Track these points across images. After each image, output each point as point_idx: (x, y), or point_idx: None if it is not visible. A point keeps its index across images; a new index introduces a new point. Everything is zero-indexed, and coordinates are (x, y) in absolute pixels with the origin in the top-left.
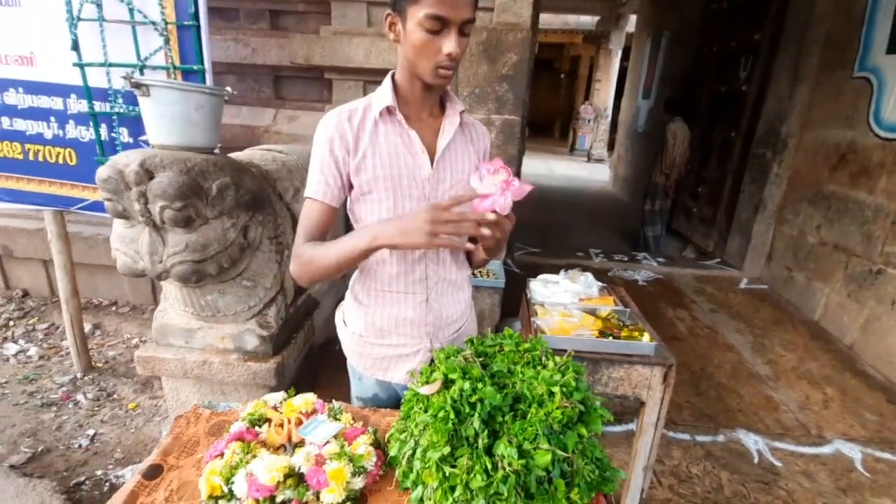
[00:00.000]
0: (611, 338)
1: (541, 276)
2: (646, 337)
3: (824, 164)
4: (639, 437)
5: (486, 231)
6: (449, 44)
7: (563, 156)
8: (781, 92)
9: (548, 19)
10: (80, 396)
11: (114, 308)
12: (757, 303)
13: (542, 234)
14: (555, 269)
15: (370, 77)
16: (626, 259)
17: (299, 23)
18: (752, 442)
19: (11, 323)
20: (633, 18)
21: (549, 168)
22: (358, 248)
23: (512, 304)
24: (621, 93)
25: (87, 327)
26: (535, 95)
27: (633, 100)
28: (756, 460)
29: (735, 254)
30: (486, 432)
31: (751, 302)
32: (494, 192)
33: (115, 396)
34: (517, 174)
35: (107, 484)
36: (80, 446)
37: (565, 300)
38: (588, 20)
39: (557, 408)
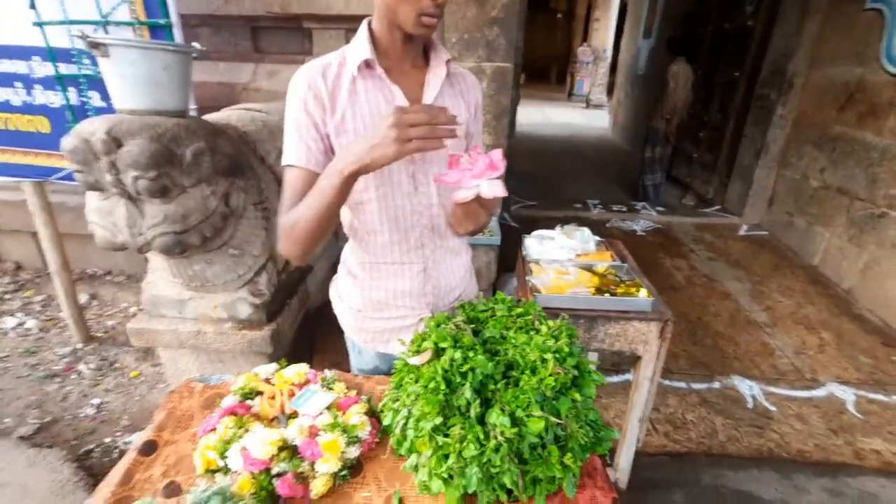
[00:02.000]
0: (607, 294)
1: (536, 233)
2: (643, 293)
3: (831, 105)
4: (634, 390)
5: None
6: None
7: (561, 102)
8: (789, 27)
9: None
10: (82, 367)
11: (109, 277)
12: (756, 249)
13: (538, 185)
14: (552, 222)
15: (352, 25)
16: (624, 209)
17: None
18: (747, 388)
19: (7, 296)
20: None
21: (545, 116)
22: (332, 185)
23: (510, 258)
24: (621, 33)
25: (84, 298)
26: (530, 38)
27: (634, 40)
28: (750, 405)
29: (735, 200)
30: (477, 402)
31: (750, 249)
32: (480, 179)
33: (117, 365)
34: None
35: (116, 450)
36: (86, 415)
37: (561, 256)
38: None
39: (550, 374)
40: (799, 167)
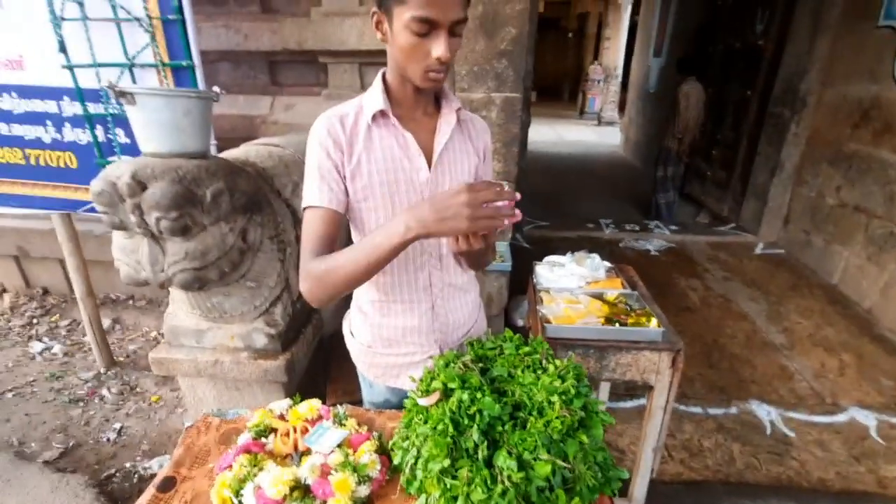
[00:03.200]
0: (617, 325)
1: (547, 259)
2: (653, 322)
3: (845, 122)
4: (648, 420)
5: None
6: (438, 47)
7: (573, 119)
8: (800, 46)
9: None
10: (104, 391)
11: (131, 302)
12: (772, 269)
13: (551, 205)
14: (564, 243)
15: (365, 59)
16: (637, 228)
17: (290, 4)
18: (765, 413)
19: (35, 321)
20: None
21: (557, 134)
22: (391, 243)
23: (522, 279)
24: (632, 51)
25: (107, 322)
26: (541, 57)
27: (644, 58)
28: (769, 431)
29: (750, 218)
30: (485, 444)
31: (766, 268)
32: None
33: (138, 390)
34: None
35: (136, 475)
36: (108, 440)
37: (571, 284)
38: None
39: (557, 417)
40: (815, 185)
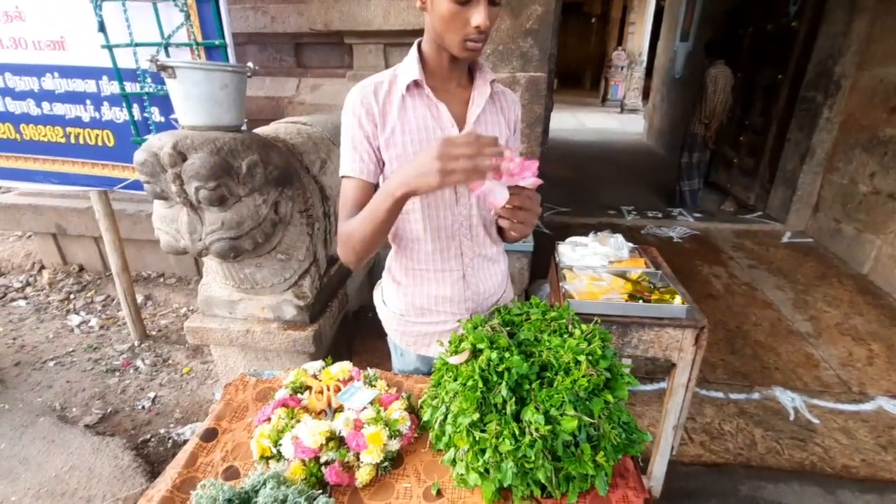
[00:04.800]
0: (641, 301)
1: (569, 239)
2: (677, 299)
3: (882, 107)
4: (669, 397)
5: (506, 163)
6: (478, 15)
7: (595, 107)
8: (836, 27)
9: None
10: (139, 363)
11: (161, 279)
12: (800, 257)
13: (572, 192)
14: (585, 229)
15: (390, 39)
16: (660, 215)
17: None
18: (789, 399)
19: (72, 296)
20: None
21: (579, 121)
22: (386, 203)
23: (542, 265)
24: (657, 37)
25: (140, 298)
26: (564, 43)
27: (670, 43)
28: (792, 417)
29: (778, 206)
30: (513, 399)
31: (793, 256)
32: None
33: (170, 362)
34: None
35: (170, 441)
36: (143, 407)
37: (594, 263)
38: None
39: (583, 376)
40: (847, 172)
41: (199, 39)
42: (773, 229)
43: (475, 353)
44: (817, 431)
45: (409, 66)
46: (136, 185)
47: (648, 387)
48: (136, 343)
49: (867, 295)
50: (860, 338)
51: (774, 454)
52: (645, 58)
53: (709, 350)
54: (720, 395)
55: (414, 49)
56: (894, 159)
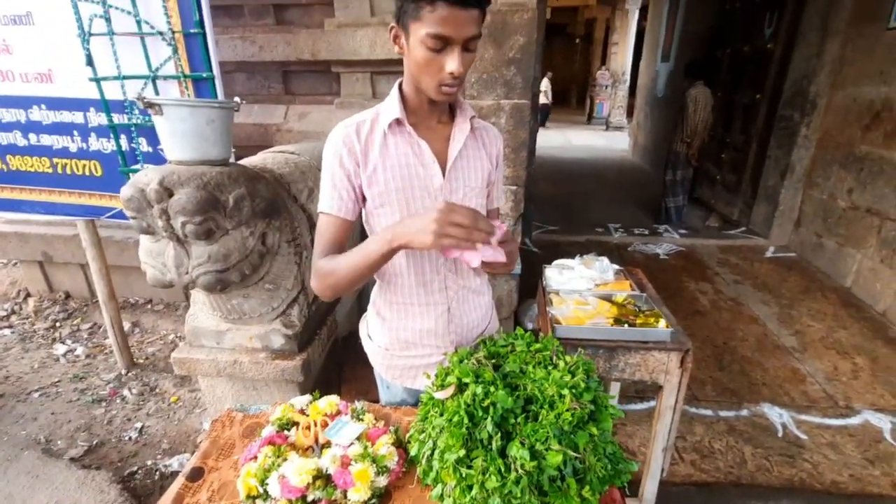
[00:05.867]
0: (626, 325)
1: (556, 262)
2: (661, 323)
3: (856, 125)
4: (657, 420)
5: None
6: (451, 62)
7: (581, 125)
8: (810, 49)
9: None
10: (126, 392)
11: (149, 306)
12: (784, 272)
13: (559, 209)
14: (573, 247)
15: (377, 68)
16: (646, 232)
17: (304, 16)
18: (777, 415)
19: (58, 324)
20: None
21: (566, 139)
22: (378, 252)
23: (531, 284)
24: (640, 56)
25: (127, 325)
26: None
27: (652, 63)
28: (780, 434)
29: (761, 221)
30: (499, 435)
31: (777, 271)
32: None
33: (157, 390)
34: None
35: (157, 472)
36: (130, 438)
37: (580, 287)
38: None
39: (567, 409)
40: (826, 187)
41: (187, 72)
42: (757, 244)
43: (461, 387)
44: (805, 447)
45: (390, 106)
46: (123, 215)
47: (639, 405)
48: (122, 371)
49: (850, 308)
50: (845, 351)
51: (764, 472)
52: (628, 77)
53: (697, 367)
54: (709, 412)
55: (395, 88)
56: (870, 175)
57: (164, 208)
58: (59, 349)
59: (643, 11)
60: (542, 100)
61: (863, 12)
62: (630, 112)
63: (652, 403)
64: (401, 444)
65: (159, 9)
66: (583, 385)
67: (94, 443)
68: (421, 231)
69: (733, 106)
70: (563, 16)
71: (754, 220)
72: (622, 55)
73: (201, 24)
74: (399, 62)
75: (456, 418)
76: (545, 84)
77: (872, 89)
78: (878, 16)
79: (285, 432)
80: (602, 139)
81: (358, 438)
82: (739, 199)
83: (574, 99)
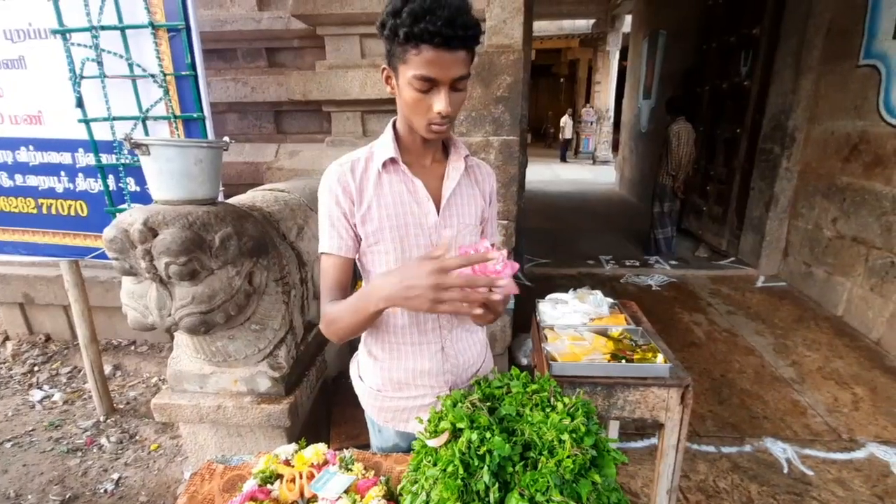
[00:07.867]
0: (623, 361)
1: (549, 297)
2: (659, 358)
3: (836, 156)
4: (660, 460)
5: (496, 296)
6: (439, 103)
7: (568, 160)
8: (784, 86)
9: (543, 26)
10: (103, 440)
11: (133, 347)
12: (776, 301)
13: (551, 242)
14: (566, 280)
15: (367, 107)
16: (637, 264)
17: (296, 59)
18: (781, 450)
19: (36, 368)
20: (628, 19)
21: (554, 173)
22: (368, 310)
23: (525, 317)
24: (622, 93)
25: (108, 368)
26: (536, 101)
27: (634, 100)
28: (786, 470)
29: (749, 251)
30: (496, 486)
31: (769, 301)
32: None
33: (137, 438)
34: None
35: None
36: (105, 491)
37: (575, 321)
38: (583, 23)
39: (568, 456)
40: (811, 217)
41: (178, 113)
42: (748, 274)
43: (455, 433)
44: (813, 484)
45: (384, 145)
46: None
47: (640, 443)
48: (101, 418)
49: (844, 337)
50: (843, 382)
51: None
52: (612, 113)
53: (696, 401)
54: (712, 448)
55: (389, 127)
56: (853, 205)
57: (148, 249)
58: (36, 395)
59: (623, 52)
60: (567, 135)
61: (833, 51)
62: (615, 147)
63: (653, 441)
64: (392, 496)
65: (151, 52)
66: (583, 429)
67: (68, 496)
68: (416, 297)
69: (715, 140)
70: (547, 57)
71: (743, 251)
72: (605, 93)
73: (193, 66)
74: (389, 101)
75: (450, 468)
76: (565, 120)
77: (848, 123)
78: (849, 54)
79: (268, 486)
80: (589, 173)
81: (346, 491)
82: (727, 229)
83: (561, 134)
